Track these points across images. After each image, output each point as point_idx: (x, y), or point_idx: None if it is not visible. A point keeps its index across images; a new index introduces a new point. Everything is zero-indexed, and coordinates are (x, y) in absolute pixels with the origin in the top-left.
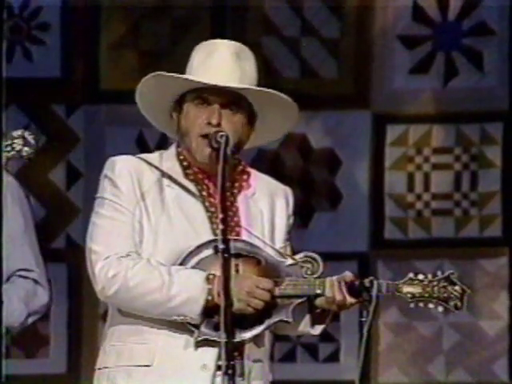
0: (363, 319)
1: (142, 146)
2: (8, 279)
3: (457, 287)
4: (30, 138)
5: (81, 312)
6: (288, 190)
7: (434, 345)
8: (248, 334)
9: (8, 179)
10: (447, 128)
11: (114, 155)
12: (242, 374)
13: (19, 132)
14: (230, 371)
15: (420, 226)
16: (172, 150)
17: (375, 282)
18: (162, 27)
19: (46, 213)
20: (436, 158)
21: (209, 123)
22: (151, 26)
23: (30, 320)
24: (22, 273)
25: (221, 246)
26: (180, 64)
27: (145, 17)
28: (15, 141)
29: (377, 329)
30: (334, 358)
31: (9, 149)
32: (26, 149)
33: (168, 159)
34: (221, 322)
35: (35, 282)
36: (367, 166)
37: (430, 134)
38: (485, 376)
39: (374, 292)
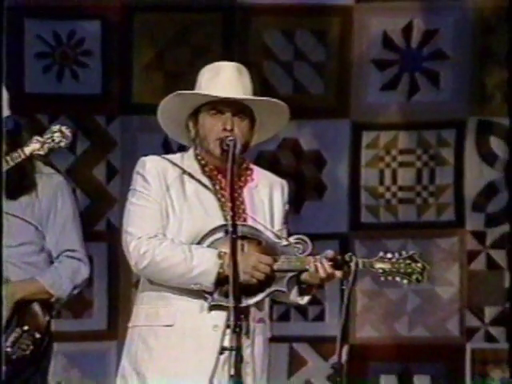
0: (343, 287)
1: (166, 149)
2: (57, 257)
3: (419, 264)
4: (67, 132)
5: (118, 281)
6: (284, 183)
7: (399, 307)
8: (252, 300)
9: (59, 179)
10: (410, 134)
11: (144, 156)
12: (247, 332)
13: (57, 126)
14: (237, 330)
15: (389, 212)
16: (191, 151)
17: (354, 259)
18: (182, 53)
19: (90, 202)
20: (401, 158)
21: (224, 129)
22: (173, 52)
23: (75, 291)
24: (69, 253)
25: (230, 230)
26: (195, 83)
27: (168, 44)
28: (54, 134)
29: (354, 294)
30: (320, 317)
31: (49, 141)
32: (63, 140)
33: (188, 159)
34: (230, 290)
35: (79, 260)
36: (347, 164)
37: (397, 138)
38: (440, 332)
39: (353, 266)
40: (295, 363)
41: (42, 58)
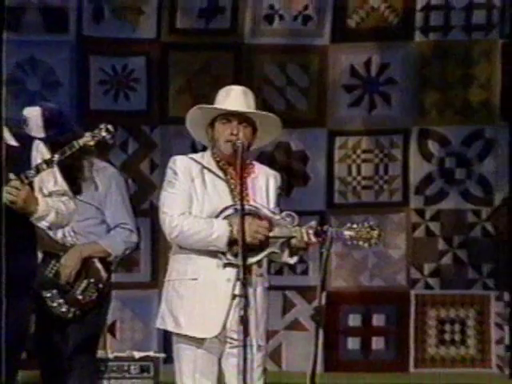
0: (322, 250)
1: (194, 150)
2: (113, 228)
3: (376, 232)
4: (111, 128)
5: (158, 246)
6: (277, 174)
7: (362, 264)
8: (254, 259)
9: (112, 171)
10: (370, 138)
11: (176, 155)
12: (250, 284)
13: (103, 124)
14: (244, 281)
15: (354, 195)
16: (209, 151)
17: (329, 229)
18: (204, 80)
19: (137, 188)
20: (364, 156)
21: (232, 134)
22: (198, 79)
23: (127, 252)
24: (122, 225)
25: (239, 208)
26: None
27: (195, 74)
28: (101, 130)
29: (330, 255)
30: (305, 272)
31: (97, 135)
32: (108, 136)
33: (206, 157)
34: (239, 251)
35: (129, 230)
36: (324, 160)
37: (361, 141)
38: (392, 282)
39: (329, 234)
40: (287, 306)
41: (103, 84)
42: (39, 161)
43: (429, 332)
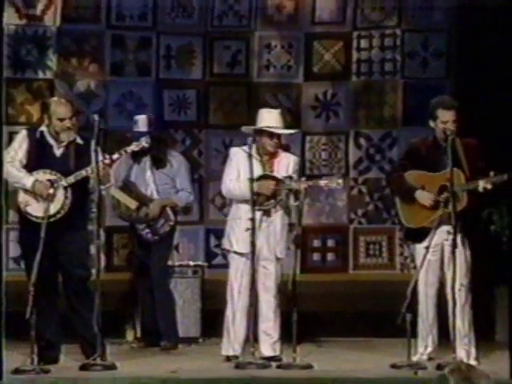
0: (297, 203)
1: (224, 145)
2: (180, 190)
3: (341, 180)
4: (147, 140)
5: (203, 200)
6: (295, 158)
7: (321, 210)
8: (270, 203)
9: (180, 157)
10: (326, 137)
11: (215, 148)
12: (270, 218)
13: (143, 138)
14: (265, 218)
15: (317, 170)
16: (254, 145)
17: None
18: (229, 102)
19: (191, 166)
20: (323, 147)
21: (273, 142)
22: (226, 102)
23: (187, 204)
24: (185, 189)
25: (269, 175)
26: (254, 120)
27: (224, 100)
28: (142, 141)
29: (303, 205)
30: (288, 214)
31: (140, 145)
32: (146, 144)
33: (252, 148)
34: (258, 200)
35: (189, 192)
36: (300, 149)
37: (320, 139)
38: (339, 221)
39: (311, 183)
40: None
41: (171, 105)
42: (97, 154)
43: (360, 249)
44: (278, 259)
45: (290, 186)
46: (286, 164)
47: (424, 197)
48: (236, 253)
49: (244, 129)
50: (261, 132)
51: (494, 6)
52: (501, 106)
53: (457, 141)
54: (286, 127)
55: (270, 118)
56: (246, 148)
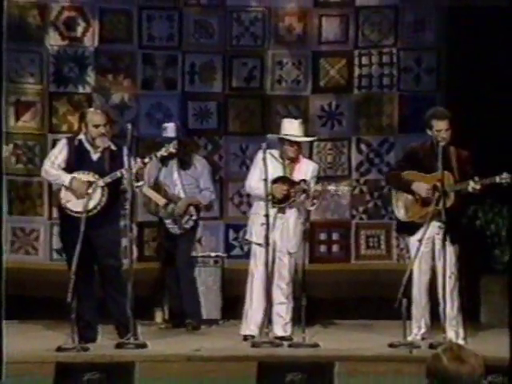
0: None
1: (241, 150)
2: (204, 190)
3: (347, 188)
4: (175, 146)
5: (223, 198)
6: (315, 164)
7: (327, 207)
8: (283, 204)
9: (203, 160)
10: (332, 143)
11: (234, 153)
12: (285, 216)
13: (171, 144)
14: (280, 213)
15: (324, 172)
16: (277, 151)
17: (325, 185)
18: (246, 113)
19: (212, 168)
20: (329, 152)
21: (293, 150)
22: (244, 112)
23: (209, 203)
24: (208, 189)
25: (288, 178)
26: (275, 128)
27: (241, 110)
28: (170, 147)
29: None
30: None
31: (167, 150)
32: (173, 150)
33: (276, 153)
34: (273, 199)
35: (211, 192)
36: (308, 153)
37: (326, 144)
38: (343, 217)
39: (321, 188)
40: None
41: (195, 115)
42: (130, 158)
43: (361, 242)
44: (289, 253)
45: (301, 188)
46: (305, 170)
47: (420, 187)
48: (256, 244)
49: (269, 136)
50: (283, 140)
51: (481, 27)
52: (485, 115)
53: (451, 148)
54: (307, 136)
55: (290, 127)
56: (273, 151)
